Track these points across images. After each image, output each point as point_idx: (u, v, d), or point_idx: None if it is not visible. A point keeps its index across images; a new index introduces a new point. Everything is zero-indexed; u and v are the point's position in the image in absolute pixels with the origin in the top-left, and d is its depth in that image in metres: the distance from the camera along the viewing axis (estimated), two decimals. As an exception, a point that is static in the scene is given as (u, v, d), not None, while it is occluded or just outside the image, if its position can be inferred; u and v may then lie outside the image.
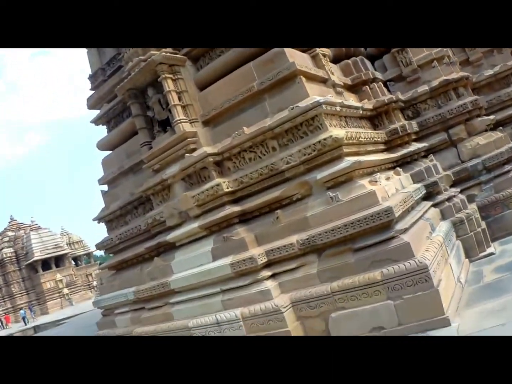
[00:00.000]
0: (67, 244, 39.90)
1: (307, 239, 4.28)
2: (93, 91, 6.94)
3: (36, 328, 25.13)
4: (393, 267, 3.78)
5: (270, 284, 4.40)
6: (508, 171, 6.00)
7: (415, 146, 6.01)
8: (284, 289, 4.41)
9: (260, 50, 4.93)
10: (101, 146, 6.90)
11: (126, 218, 6.46)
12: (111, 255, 7.05)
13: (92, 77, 6.91)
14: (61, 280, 37.16)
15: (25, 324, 28.09)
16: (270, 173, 4.70)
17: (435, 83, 6.36)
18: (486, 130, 6.41)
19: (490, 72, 7.41)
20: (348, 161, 4.31)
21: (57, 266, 37.84)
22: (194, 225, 5.05)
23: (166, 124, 5.45)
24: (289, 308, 4.23)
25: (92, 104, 6.94)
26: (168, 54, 5.19)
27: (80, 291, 38.72)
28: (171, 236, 5.30)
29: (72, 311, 28.47)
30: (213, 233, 5.01)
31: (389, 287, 3.78)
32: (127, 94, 5.64)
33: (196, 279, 4.89)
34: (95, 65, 6.92)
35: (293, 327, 4.14)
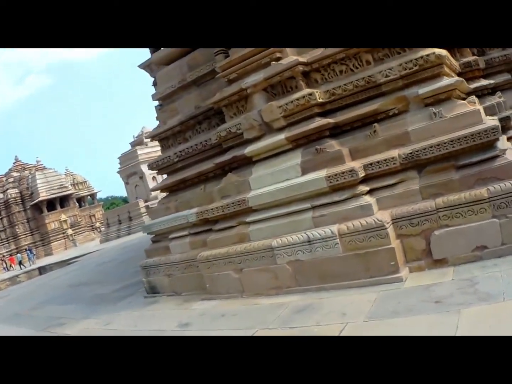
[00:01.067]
0: (71, 184, 39.79)
1: (410, 153, 4.14)
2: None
3: (41, 269, 25.22)
4: (499, 185, 3.75)
5: (369, 199, 4.27)
6: None
7: (485, 82, 5.82)
8: (382, 206, 4.30)
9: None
10: (159, 60, 6.52)
11: (186, 135, 6.21)
12: (164, 175, 6.85)
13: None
14: (65, 221, 37.37)
15: (20, 269, 27.68)
16: (366, 86, 4.48)
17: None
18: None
19: None
20: (451, 79, 4.17)
21: (61, 206, 37.91)
22: (279, 137, 4.84)
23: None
24: (391, 224, 4.13)
25: None
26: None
27: (84, 232, 39.10)
28: (250, 149, 5.09)
29: (77, 251, 28.84)
30: (300, 146, 4.82)
31: (495, 205, 3.74)
32: None
33: (282, 194, 4.71)
34: None
35: (395, 245, 4.05)
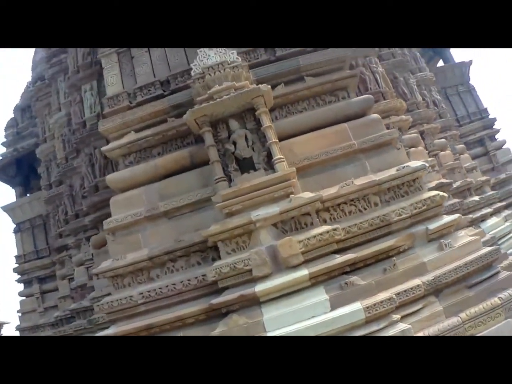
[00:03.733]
0: None
1: (432, 279, 4.68)
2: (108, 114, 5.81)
3: None
4: (508, 292, 4.71)
5: (406, 325, 4.40)
6: None
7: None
8: (414, 329, 4.47)
9: (355, 114, 5.43)
10: (117, 182, 5.55)
11: (151, 273, 5.10)
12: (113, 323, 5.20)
13: (111, 99, 5.80)
14: None
15: None
16: (380, 224, 4.92)
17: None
18: None
19: None
20: (454, 215, 5.19)
21: None
22: (301, 273, 4.57)
23: (247, 163, 5.06)
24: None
25: (110, 129, 5.69)
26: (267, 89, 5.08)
27: None
28: (263, 287, 4.57)
29: None
30: (320, 283, 4.64)
31: (507, 308, 4.64)
32: (200, 120, 5.06)
33: (311, 332, 4.27)
34: (116, 87, 5.89)
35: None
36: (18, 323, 13.20)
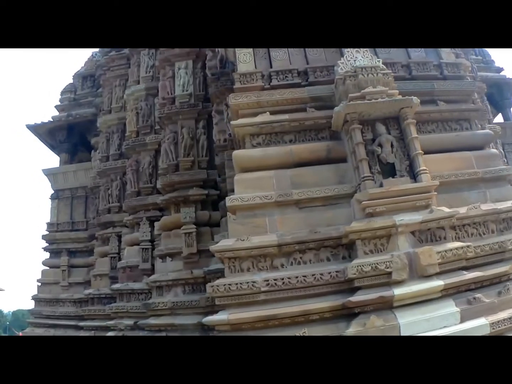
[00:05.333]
0: None
1: None
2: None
3: None
4: None
5: None
6: None
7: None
8: None
9: (477, 145, 5.81)
10: (244, 160, 5.39)
11: (276, 261, 4.98)
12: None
13: (243, 76, 5.70)
14: None
15: None
16: (497, 250, 5.27)
17: None
18: None
19: None
20: None
21: None
22: (436, 283, 4.76)
23: (388, 168, 5.21)
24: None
25: (242, 105, 5.56)
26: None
27: None
28: (401, 291, 4.68)
29: None
30: (449, 295, 4.86)
31: None
32: (351, 116, 5.16)
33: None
34: (249, 65, 5.82)
35: None
36: (35, 292, 12.36)
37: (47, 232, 12.52)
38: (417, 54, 6.33)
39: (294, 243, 4.98)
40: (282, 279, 4.84)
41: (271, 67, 5.93)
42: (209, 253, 7.57)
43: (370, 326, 4.55)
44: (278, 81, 5.80)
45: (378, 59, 5.61)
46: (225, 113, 7.56)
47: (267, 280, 4.83)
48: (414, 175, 5.19)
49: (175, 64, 8.30)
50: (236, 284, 4.82)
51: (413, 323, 4.58)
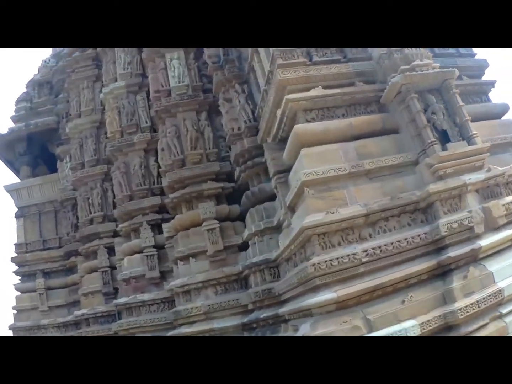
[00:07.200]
0: None
1: None
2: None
3: None
4: None
5: None
6: None
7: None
8: None
9: (496, 114, 6.36)
10: (307, 134, 5.21)
11: (363, 232, 4.86)
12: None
13: (284, 53, 5.60)
14: None
15: None
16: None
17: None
18: None
19: None
20: None
21: None
22: (508, 232, 5.10)
23: (442, 135, 5.45)
24: None
25: (291, 80, 5.49)
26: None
27: None
28: (487, 242, 4.92)
29: None
30: (519, 243, 5.20)
31: None
32: (406, 87, 5.32)
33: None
34: None
35: None
36: (12, 321, 10.69)
37: (16, 254, 11.07)
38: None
39: (380, 210, 4.92)
40: (380, 247, 4.75)
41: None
42: (235, 249, 7.20)
43: (471, 277, 4.70)
44: (319, 57, 5.77)
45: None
46: (235, 100, 7.23)
47: (366, 251, 4.70)
48: (465, 140, 5.51)
49: (165, 56, 7.78)
50: (337, 258, 4.61)
51: (501, 270, 4.85)
